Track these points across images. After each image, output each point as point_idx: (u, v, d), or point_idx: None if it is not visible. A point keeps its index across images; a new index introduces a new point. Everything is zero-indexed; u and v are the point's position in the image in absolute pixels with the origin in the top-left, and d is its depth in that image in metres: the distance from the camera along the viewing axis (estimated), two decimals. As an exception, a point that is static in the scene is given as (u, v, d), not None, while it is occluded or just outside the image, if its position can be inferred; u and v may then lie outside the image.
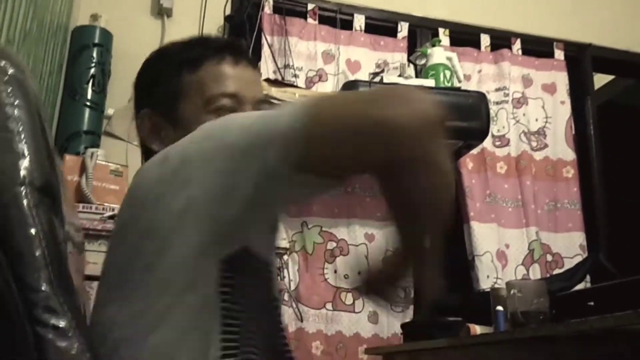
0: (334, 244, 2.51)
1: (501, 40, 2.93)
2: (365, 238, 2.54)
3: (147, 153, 1.00)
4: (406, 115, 0.68)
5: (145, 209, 0.78)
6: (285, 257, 2.38)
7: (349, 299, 2.45)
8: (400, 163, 0.69)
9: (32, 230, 0.72)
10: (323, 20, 2.72)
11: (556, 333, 1.43)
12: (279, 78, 2.48)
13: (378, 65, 2.69)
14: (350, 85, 2.30)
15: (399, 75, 2.47)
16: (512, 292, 1.65)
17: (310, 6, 2.72)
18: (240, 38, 2.61)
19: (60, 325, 0.70)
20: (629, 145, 3.30)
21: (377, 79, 2.43)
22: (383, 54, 2.75)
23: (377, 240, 2.56)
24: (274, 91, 2.07)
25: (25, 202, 0.73)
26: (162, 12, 2.57)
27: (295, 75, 2.56)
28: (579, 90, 3.00)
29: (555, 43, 3.00)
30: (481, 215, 2.62)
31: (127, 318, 0.78)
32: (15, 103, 0.77)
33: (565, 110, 2.91)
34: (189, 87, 0.96)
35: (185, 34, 2.80)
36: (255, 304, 0.83)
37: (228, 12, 2.63)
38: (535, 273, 2.64)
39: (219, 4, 2.63)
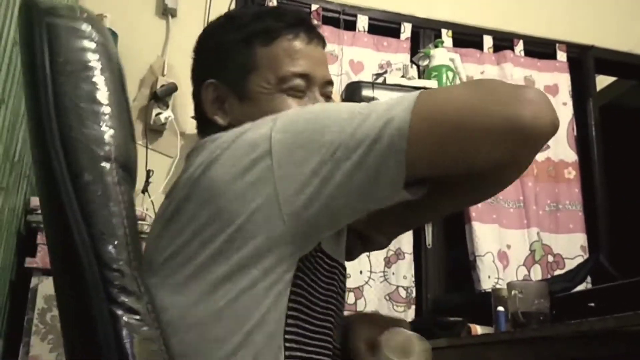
0: (336, 244, 2.52)
1: (504, 41, 2.94)
2: (368, 238, 2.55)
3: (203, 122, 0.97)
4: (538, 117, 0.76)
5: (223, 195, 0.76)
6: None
7: (351, 298, 2.46)
8: (514, 160, 0.80)
9: (115, 208, 0.70)
10: (326, 21, 2.73)
11: (556, 334, 1.44)
12: (283, 78, 2.48)
13: (381, 66, 2.70)
14: (353, 87, 2.31)
15: (402, 76, 2.48)
16: (513, 292, 1.66)
17: (313, 7, 2.73)
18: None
19: (136, 308, 0.69)
20: (631, 147, 3.31)
21: (380, 79, 2.44)
22: (386, 54, 2.76)
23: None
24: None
25: (109, 178, 0.71)
26: (166, 12, 2.58)
27: (299, 76, 2.57)
28: (581, 91, 3.00)
29: (557, 44, 3.01)
30: (483, 215, 2.63)
31: (185, 307, 0.77)
32: (105, 75, 0.74)
33: (567, 112, 2.92)
34: (260, 61, 0.92)
35: (189, 33, 2.79)
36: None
37: (232, 12, 2.64)
38: (537, 274, 2.65)
39: (223, 4, 2.64)
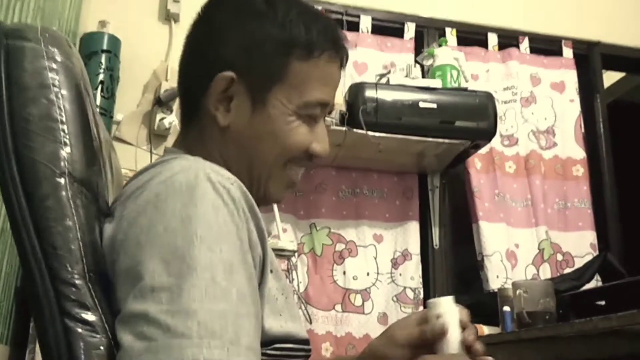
0: (343, 246, 2.52)
1: (509, 39, 2.92)
2: (374, 239, 2.55)
3: (191, 111, 0.89)
4: None
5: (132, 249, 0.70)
6: (294, 259, 2.38)
7: (358, 300, 2.46)
8: None
9: (69, 223, 0.71)
10: (329, 23, 2.72)
11: (561, 333, 1.42)
12: (286, 81, 2.48)
13: (385, 67, 2.69)
14: (356, 88, 2.30)
15: (406, 76, 2.47)
16: (518, 292, 1.65)
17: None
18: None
19: (90, 320, 0.69)
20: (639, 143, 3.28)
21: (384, 80, 2.43)
22: (390, 55, 2.75)
23: (385, 241, 2.56)
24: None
25: (64, 193, 0.72)
26: (169, 18, 2.59)
27: (302, 78, 2.56)
28: (588, 88, 2.98)
29: (563, 41, 2.98)
30: (490, 215, 2.61)
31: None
32: (63, 92, 0.76)
33: (575, 109, 2.90)
34: (291, 75, 0.84)
35: (192, 38, 2.78)
36: None
37: (235, 16, 2.64)
38: (546, 273, 2.62)
39: (225, 8, 2.65)
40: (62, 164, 0.73)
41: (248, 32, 0.85)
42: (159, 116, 2.39)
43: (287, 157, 0.86)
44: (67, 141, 0.74)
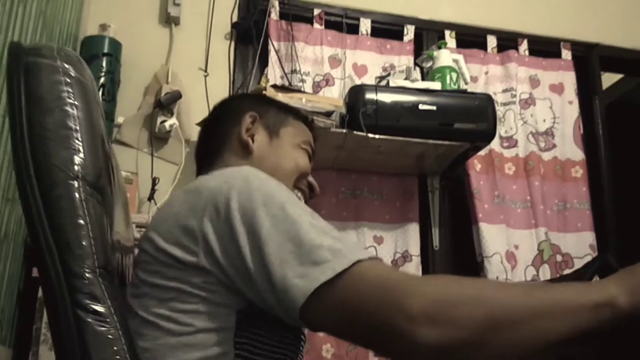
0: (343, 247, 2.52)
1: (508, 41, 2.93)
2: (374, 240, 2.56)
3: (224, 141, 1.15)
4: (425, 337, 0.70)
5: (217, 220, 0.83)
6: (295, 261, 2.39)
7: (358, 301, 2.46)
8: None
9: (81, 221, 0.78)
10: (329, 25, 2.74)
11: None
12: (286, 84, 2.50)
13: (384, 69, 2.71)
14: (356, 90, 2.31)
15: (406, 78, 2.48)
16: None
17: (316, 11, 2.74)
18: (247, 44, 2.64)
19: (100, 311, 0.75)
20: (638, 144, 3.29)
21: (384, 82, 2.44)
22: (389, 57, 2.76)
23: (385, 242, 2.57)
24: (281, 97, 2.09)
25: (76, 194, 0.79)
26: (169, 21, 2.60)
27: (302, 80, 2.58)
28: (587, 90, 2.99)
29: (562, 43, 3.00)
30: (490, 216, 2.62)
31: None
32: (76, 104, 0.83)
33: (574, 110, 2.91)
34: (293, 124, 1.20)
35: (193, 41, 2.82)
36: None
37: (235, 19, 2.66)
38: (545, 273, 2.63)
39: (225, 11, 2.66)
40: (76, 168, 0.80)
41: (266, 98, 1.36)
42: (159, 119, 2.40)
43: (296, 175, 1.16)
44: (81, 148, 0.81)
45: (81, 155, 0.81)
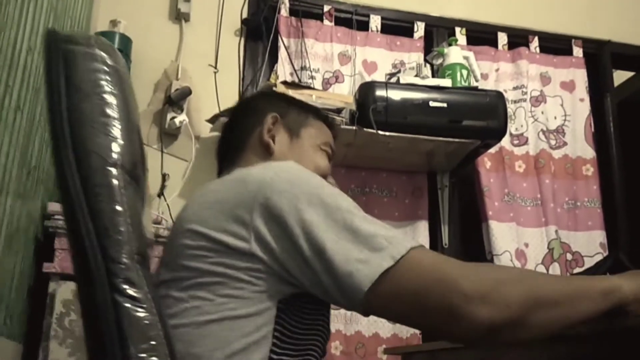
0: (352, 245, 2.51)
1: (518, 38, 2.92)
2: (384, 238, 2.55)
3: (247, 141, 1.15)
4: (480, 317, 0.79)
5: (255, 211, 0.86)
6: (304, 257, 2.39)
7: (367, 299, 2.46)
8: None
9: (119, 208, 0.78)
10: (339, 22, 2.73)
11: (572, 332, 1.42)
12: (296, 80, 2.49)
13: (394, 66, 2.70)
14: (366, 87, 2.30)
15: (416, 75, 2.47)
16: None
17: (326, 8, 2.73)
18: (257, 41, 2.63)
19: (137, 296, 0.76)
20: (650, 142, 3.26)
21: (394, 79, 2.43)
22: (399, 54, 2.75)
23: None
24: (291, 94, 2.08)
25: (115, 181, 0.79)
26: (179, 17, 2.60)
27: (312, 77, 2.57)
28: (598, 87, 2.98)
29: (573, 40, 2.98)
30: (500, 214, 2.61)
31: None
32: (114, 92, 0.83)
33: (585, 108, 2.89)
34: (313, 124, 1.20)
35: (203, 38, 2.81)
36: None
37: (245, 15, 2.65)
38: (555, 272, 2.62)
39: (235, 7, 2.66)
40: (115, 155, 0.80)
41: (286, 97, 1.30)
42: (169, 115, 2.40)
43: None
44: (119, 136, 0.81)
45: (119, 142, 0.81)
